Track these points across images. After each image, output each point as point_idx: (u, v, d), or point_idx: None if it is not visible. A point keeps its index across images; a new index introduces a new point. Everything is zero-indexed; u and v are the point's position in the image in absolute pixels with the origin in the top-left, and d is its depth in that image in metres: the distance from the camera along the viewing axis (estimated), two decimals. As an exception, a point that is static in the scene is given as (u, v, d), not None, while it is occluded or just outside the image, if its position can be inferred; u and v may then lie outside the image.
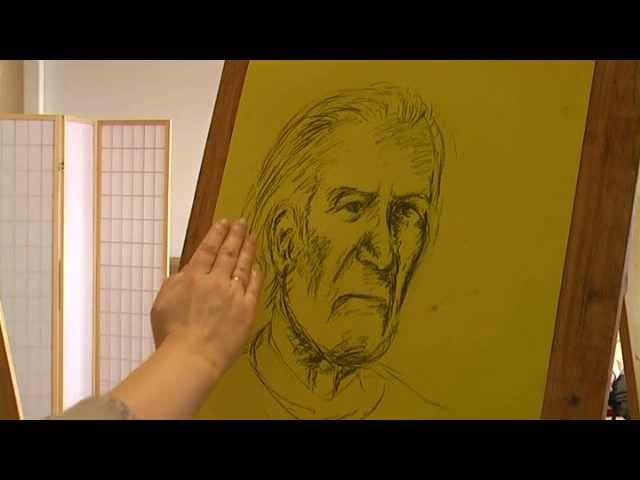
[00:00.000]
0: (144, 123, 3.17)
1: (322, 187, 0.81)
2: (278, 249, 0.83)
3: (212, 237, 0.80)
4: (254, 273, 0.80)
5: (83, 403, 0.61)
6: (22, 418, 1.60)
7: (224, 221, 0.83)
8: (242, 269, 0.79)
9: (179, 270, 0.84)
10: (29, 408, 2.68)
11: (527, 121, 0.73)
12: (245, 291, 0.77)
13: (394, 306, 0.75)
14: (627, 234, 0.66)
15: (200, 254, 0.78)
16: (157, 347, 0.73)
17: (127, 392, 0.63)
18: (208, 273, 0.76)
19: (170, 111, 3.52)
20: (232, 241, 0.81)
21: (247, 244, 0.82)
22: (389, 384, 0.74)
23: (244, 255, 0.81)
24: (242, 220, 0.84)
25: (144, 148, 3.16)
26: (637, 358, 1.13)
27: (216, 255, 0.79)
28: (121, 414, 0.60)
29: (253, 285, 0.79)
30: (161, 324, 0.74)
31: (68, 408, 0.61)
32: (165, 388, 0.66)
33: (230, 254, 0.79)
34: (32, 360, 3.02)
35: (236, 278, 0.77)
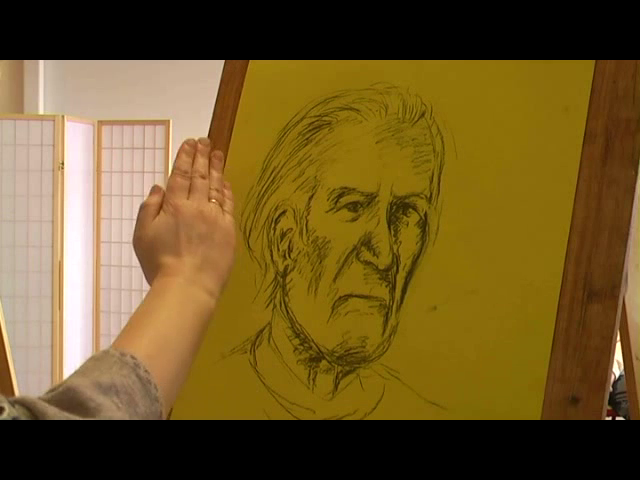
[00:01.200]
0: (144, 123, 3.18)
1: (322, 187, 0.81)
2: (278, 249, 0.83)
3: (183, 159, 0.79)
4: (226, 192, 0.80)
5: (95, 359, 0.61)
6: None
7: (191, 141, 0.82)
8: (217, 190, 0.79)
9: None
10: (29, 408, 2.67)
11: (527, 121, 0.73)
12: (223, 212, 0.77)
13: (394, 306, 0.75)
14: (627, 234, 0.66)
15: (176, 179, 0.77)
16: (149, 279, 0.73)
17: (135, 341, 0.64)
18: (188, 199, 0.76)
19: (170, 111, 3.52)
20: (201, 162, 0.80)
21: (215, 161, 0.82)
22: (389, 384, 0.74)
23: (214, 174, 0.80)
24: (205, 139, 0.83)
25: (144, 148, 3.16)
26: (637, 358, 1.13)
27: (190, 178, 0.78)
28: (133, 368, 0.60)
29: (228, 205, 0.79)
30: (151, 255, 0.74)
31: (82, 365, 0.61)
32: (170, 329, 0.66)
33: (203, 176, 0.79)
34: (32, 360, 3.02)
35: (213, 200, 0.77)
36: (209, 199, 0.77)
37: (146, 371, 0.61)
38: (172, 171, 0.79)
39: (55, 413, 0.54)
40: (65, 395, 0.56)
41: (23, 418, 0.52)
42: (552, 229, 0.70)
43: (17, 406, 0.53)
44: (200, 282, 0.71)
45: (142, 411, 0.60)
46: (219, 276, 0.73)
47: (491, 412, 0.69)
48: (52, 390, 0.57)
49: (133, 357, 0.61)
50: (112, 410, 0.57)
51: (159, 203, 0.76)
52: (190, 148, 0.81)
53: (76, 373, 0.60)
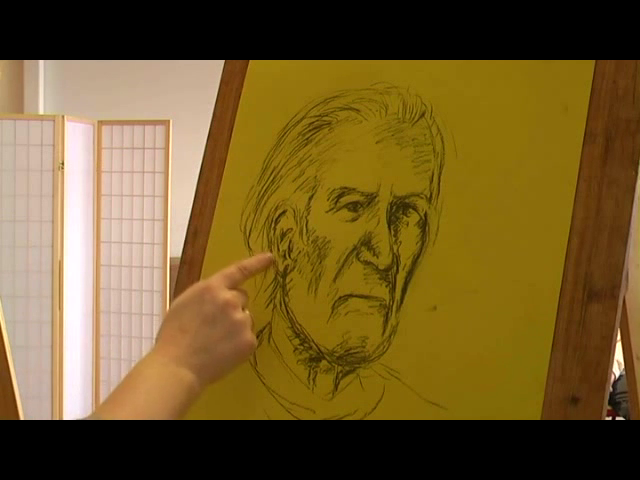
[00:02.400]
0: (144, 123, 3.17)
1: (322, 187, 0.81)
2: (278, 249, 0.83)
3: (251, 261, 0.80)
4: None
5: None
6: (22, 418, 1.60)
7: (270, 255, 0.82)
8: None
9: (179, 270, 0.84)
10: (29, 408, 2.68)
11: (527, 121, 0.73)
12: (250, 329, 0.75)
13: (394, 306, 0.75)
14: (627, 234, 0.66)
15: (234, 271, 0.76)
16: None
17: (114, 409, 0.64)
18: (230, 287, 0.75)
19: (170, 111, 3.52)
20: None
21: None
22: (389, 384, 0.74)
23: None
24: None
25: (144, 148, 3.16)
26: (637, 358, 1.13)
27: (245, 278, 0.77)
28: None
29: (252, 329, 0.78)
30: (165, 321, 0.74)
31: None
32: (149, 402, 0.66)
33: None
34: (32, 360, 3.02)
35: (247, 312, 0.75)
36: (244, 309, 0.75)
37: None
38: (235, 264, 0.78)
39: None
40: None
41: None
42: (552, 229, 0.70)
43: None
44: (189, 364, 0.70)
45: None
46: (212, 367, 0.72)
47: (491, 412, 0.69)
48: None
49: None
50: None
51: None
52: (265, 260, 0.81)
53: None
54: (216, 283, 0.74)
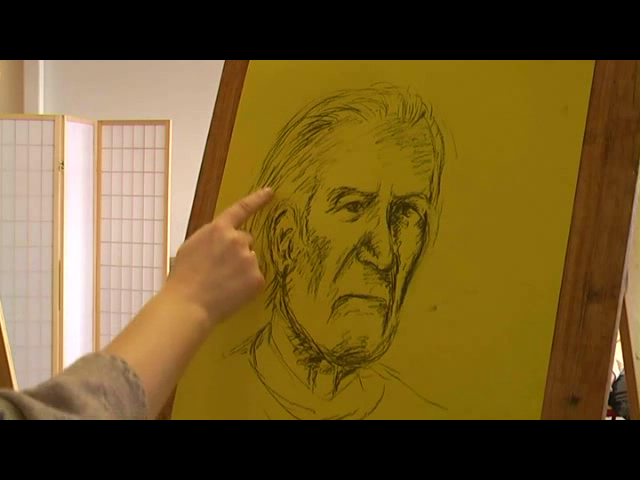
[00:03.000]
0: (144, 123, 3.18)
1: (322, 187, 0.81)
2: (278, 249, 0.83)
3: (252, 198, 0.82)
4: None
5: (85, 360, 0.62)
6: (22, 418, 1.60)
7: (268, 190, 0.83)
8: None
9: None
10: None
11: (527, 121, 0.73)
12: (256, 265, 0.78)
13: (394, 306, 0.75)
14: (627, 234, 0.66)
15: (234, 207, 0.79)
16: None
17: (126, 348, 0.65)
18: (236, 226, 0.78)
19: (170, 111, 3.52)
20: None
21: None
22: (389, 384, 0.74)
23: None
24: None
25: (144, 148, 3.16)
26: (637, 358, 1.13)
27: (249, 214, 0.80)
28: (122, 372, 0.61)
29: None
30: (176, 262, 0.76)
31: (70, 365, 0.61)
32: (161, 340, 0.67)
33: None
34: (32, 360, 3.02)
35: (253, 252, 0.78)
36: (250, 248, 0.78)
37: (135, 376, 0.62)
38: (238, 202, 0.80)
39: (41, 408, 0.54)
40: (52, 390, 0.56)
41: (7, 413, 0.52)
42: (552, 229, 0.70)
43: (2, 400, 0.53)
44: (201, 300, 0.72)
45: (129, 414, 0.60)
46: (223, 303, 0.74)
47: (491, 412, 0.69)
48: (40, 385, 0.57)
49: (123, 361, 0.62)
50: (98, 410, 0.57)
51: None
52: (264, 195, 0.83)
53: (65, 371, 0.61)
54: (223, 223, 0.76)
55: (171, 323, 0.69)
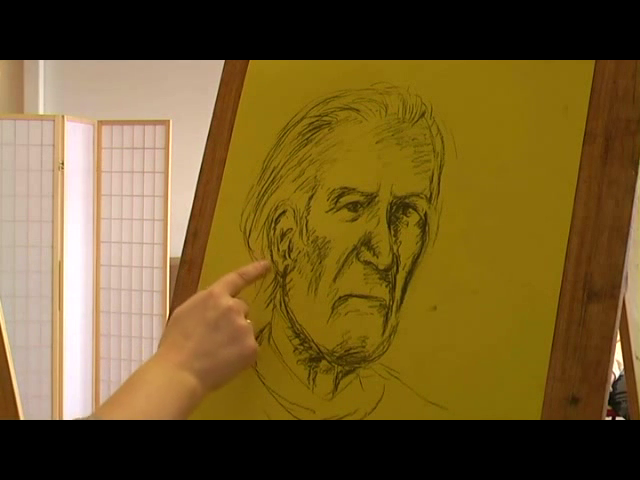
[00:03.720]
0: (144, 123, 3.17)
1: (322, 187, 0.81)
2: (278, 249, 0.83)
3: (249, 268, 0.80)
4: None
5: None
6: (22, 418, 1.60)
7: (266, 262, 0.82)
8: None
9: (179, 270, 0.84)
10: (29, 408, 2.68)
11: (527, 121, 0.73)
12: (251, 336, 0.75)
13: (394, 306, 0.75)
14: (627, 234, 0.66)
15: (231, 274, 0.77)
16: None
17: (113, 412, 0.64)
18: (232, 294, 0.75)
19: (170, 111, 3.52)
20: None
21: None
22: (389, 384, 0.74)
23: None
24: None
25: (144, 148, 3.16)
26: (637, 358, 1.13)
27: (246, 284, 0.78)
28: None
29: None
30: (168, 327, 0.74)
31: None
32: (149, 406, 0.66)
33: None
34: (32, 360, 3.02)
35: (248, 321, 0.75)
36: (246, 316, 0.76)
37: None
38: (236, 271, 0.78)
39: None
40: None
41: None
42: (552, 229, 0.70)
43: None
44: (192, 368, 0.70)
45: None
46: (216, 371, 0.72)
47: (491, 412, 0.68)
48: None
49: None
50: None
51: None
52: (261, 267, 0.81)
53: None
54: (218, 290, 0.74)
55: (159, 389, 0.67)
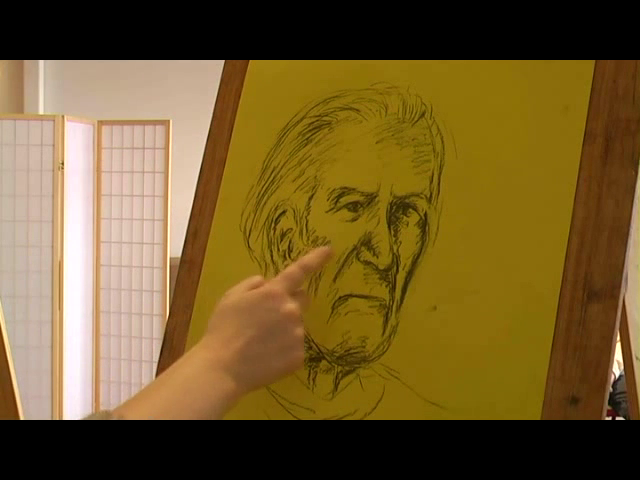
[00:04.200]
0: (144, 123, 3.17)
1: (322, 187, 0.81)
2: (278, 249, 0.83)
3: (311, 257, 0.76)
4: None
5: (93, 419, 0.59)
6: (22, 418, 1.60)
7: (326, 248, 0.78)
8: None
9: (179, 270, 0.84)
10: (29, 408, 2.68)
11: (527, 121, 0.73)
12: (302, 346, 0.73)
13: (394, 306, 0.75)
14: (627, 234, 0.66)
15: (292, 267, 0.74)
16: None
17: (135, 409, 0.62)
18: (293, 290, 0.72)
19: (170, 111, 3.52)
20: None
21: None
22: (389, 384, 0.74)
23: None
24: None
25: (144, 148, 3.16)
26: (637, 358, 1.13)
27: (307, 276, 0.75)
28: None
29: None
30: (220, 316, 0.71)
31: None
32: (173, 405, 0.63)
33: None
34: (32, 360, 3.02)
35: (303, 329, 0.72)
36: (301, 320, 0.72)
37: None
38: (297, 263, 0.75)
39: None
40: None
41: None
42: (552, 229, 0.70)
43: None
44: (235, 371, 0.67)
45: None
46: (258, 378, 0.69)
47: (491, 412, 0.68)
48: None
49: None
50: None
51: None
52: (322, 253, 0.77)
53: None
54: (280, 289, 0.71)
55: (197, 389, 0.65)
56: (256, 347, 0.68)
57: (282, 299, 0.70)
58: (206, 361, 0.67)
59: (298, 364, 0.71)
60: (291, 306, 0.70)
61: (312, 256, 0.76)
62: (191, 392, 0.64)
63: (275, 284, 0.72)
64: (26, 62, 4.27)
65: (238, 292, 0.72)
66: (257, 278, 0.73)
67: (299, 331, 0.71)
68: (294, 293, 0.73)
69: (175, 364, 0.68)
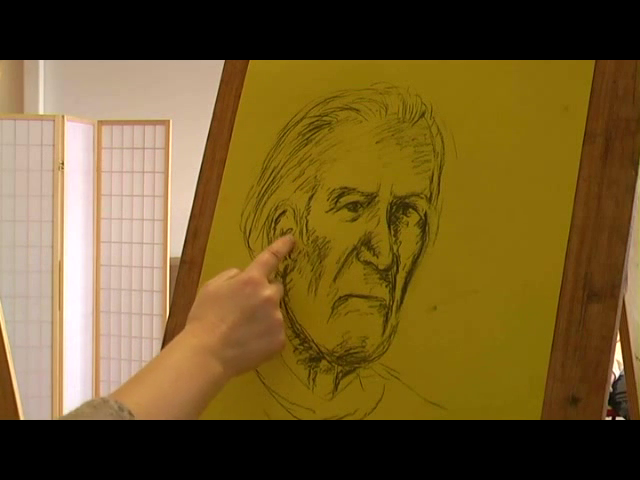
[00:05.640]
0: (144, 123, 3.17)
1: (322, 187, 0.81)
2: (278, 249, 0.82)
3: (279, 245, 0.80)
4: None
5: (93, 406, 0.60)
6: (22, 418, 1.60)
7: (290, 236, 0.81)
8: None
9: (179, 270, 0.84)
10: (29, 408, 2.68)
11: (527, 121, 0.73)
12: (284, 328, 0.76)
13: (394, 306, 0.75)
14: (627, 234, 0.66)
15: (265, 254, 0.77)
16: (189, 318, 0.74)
17: (133, 394, 0.64)
18: (269, 276, 0.75)
19: (170, 111, 3.52)
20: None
21: None
22: (389, 384, 0.74)
23: None
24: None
25: (144, 148, 3.16)
26: (637, 358, 1.13)
27: (279, 261, 0.78)
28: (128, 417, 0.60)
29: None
30: (201, 305, 0.73)
31: (77, 410, 0.60)
32: (172, 392, 0.66)
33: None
34: (32, 360, 3.02)
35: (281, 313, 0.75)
36: (281, 304, 0.76)
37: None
38: (268, 250, 0.78)
39: None
40: None
41: None
42: (552, 229, 0.70)
43: None
44: (221, 355, 0.70)
45: None
46: (242, 361, 0.72)
47: (491, 412, 0.69)
48: None
49: (130, 413, 0.61)
50: None
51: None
52: (288, 241, 0.81)
53: (70, 417, 0.59)
54: (258, 275, 0.74)
55: (185, 373, 0.67)
56: (239, 331, 0.71)
57: (261, 285, 0.73)
58: (193, 347, 0.69)
59: (279, 347, 0.74)
60: (269, 292, 0.73)
61: (280, 244, 0.80)
62: (182, 377, 0.67)
63: (252, 271, 0.74)
64: (26, 62, 4.27)
65: (217, 281, 0.75)
66: (234, 270, 0.76)
67: (278, 314, 0.74)
68: (270, 280, 0.76)
69: (163, 351, 0.70)
